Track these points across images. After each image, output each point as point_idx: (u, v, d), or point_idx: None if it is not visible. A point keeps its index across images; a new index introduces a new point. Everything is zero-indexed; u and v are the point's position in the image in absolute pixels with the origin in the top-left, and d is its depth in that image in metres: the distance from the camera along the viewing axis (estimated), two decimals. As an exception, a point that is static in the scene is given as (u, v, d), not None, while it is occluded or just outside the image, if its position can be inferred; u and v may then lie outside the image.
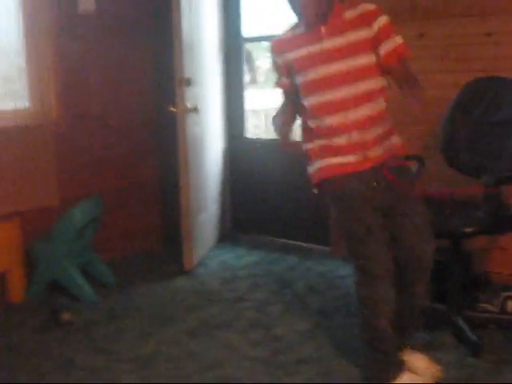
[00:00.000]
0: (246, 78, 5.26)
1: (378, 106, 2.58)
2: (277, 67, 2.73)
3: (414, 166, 3.19)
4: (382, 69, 2.57)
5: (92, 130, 4.34)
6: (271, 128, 2.76)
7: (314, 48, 2.57)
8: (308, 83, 2.61)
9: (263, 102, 6.46)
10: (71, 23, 4.14)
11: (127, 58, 4.49)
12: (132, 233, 4.62)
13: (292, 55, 2.63)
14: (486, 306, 3.26)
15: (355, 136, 2.55)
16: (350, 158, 2.57)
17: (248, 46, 5.34)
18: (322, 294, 3.74)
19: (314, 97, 2.60)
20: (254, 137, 5.34)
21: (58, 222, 3.71)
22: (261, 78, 7.33)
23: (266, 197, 4.73)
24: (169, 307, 3.64)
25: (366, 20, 2.54)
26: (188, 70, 3.95)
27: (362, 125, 2.55)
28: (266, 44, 5.14)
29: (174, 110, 3.94)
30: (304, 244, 4.56)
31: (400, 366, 2.63)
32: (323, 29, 2.55)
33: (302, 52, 2.60)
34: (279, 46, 2.70)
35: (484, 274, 3.50)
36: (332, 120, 2.57)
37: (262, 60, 6.79)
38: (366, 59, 2.55)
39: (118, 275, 4.07)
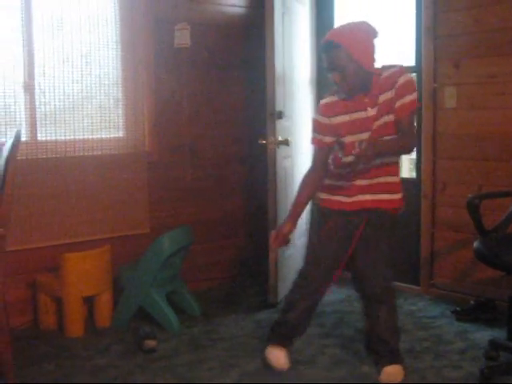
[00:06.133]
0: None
1: None
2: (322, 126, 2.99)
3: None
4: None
5: (183, 160, 4.42)
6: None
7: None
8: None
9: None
10: (166, 56, 4.25)
11: (219, 91, 4.56)
12: (218, 263, 4.63)
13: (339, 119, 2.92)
14: None
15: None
16: None
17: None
18: (410, 333, 3.59)
19: None
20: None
21: (147, 250, 3.75)
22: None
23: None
24: (252, 339, 3.58)
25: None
26: (279, 103, 3.95)
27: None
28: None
29: (265, 142, 3.93)
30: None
31: (282, 343, 3.12)
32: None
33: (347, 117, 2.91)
34: (327, 108, 2.98)
35: None
36: None
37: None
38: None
39: (203, 305, 4.07)
